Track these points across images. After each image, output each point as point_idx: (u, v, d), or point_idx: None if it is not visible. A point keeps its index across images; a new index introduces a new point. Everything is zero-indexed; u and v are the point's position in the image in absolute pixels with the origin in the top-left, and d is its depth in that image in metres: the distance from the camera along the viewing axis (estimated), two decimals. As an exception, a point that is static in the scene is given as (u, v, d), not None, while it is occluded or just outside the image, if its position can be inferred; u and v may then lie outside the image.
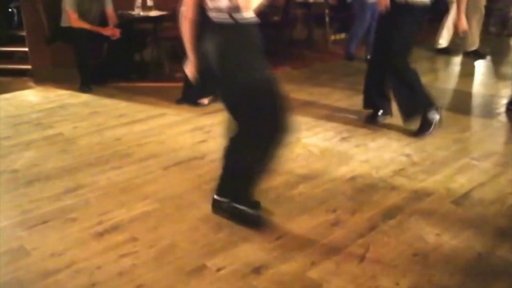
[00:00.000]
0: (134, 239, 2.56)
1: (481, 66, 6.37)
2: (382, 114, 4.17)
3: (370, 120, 4.20)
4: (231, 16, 2.29)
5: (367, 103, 4.22)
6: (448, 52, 6.77)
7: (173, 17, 6.04)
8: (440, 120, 3.90)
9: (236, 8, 2.27)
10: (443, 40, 6.73)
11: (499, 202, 2.92)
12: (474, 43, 6.56)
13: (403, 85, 3.90)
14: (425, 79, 5.49)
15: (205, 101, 4.68)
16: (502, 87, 5.23)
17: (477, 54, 6.55)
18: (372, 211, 2.82)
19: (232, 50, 2.35)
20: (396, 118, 4.33)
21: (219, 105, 4.68)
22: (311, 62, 6.56)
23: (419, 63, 6.44)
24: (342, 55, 6.72)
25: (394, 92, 4.01)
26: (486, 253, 2.44)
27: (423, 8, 3.75)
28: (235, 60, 2.37)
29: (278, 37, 6.69)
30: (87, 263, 2.37)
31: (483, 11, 6.48)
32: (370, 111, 4.23)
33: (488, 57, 6.59)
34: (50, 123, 4.34)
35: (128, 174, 3.31)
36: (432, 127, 3.87)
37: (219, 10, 2.31)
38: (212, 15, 2.35)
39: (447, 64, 6.63)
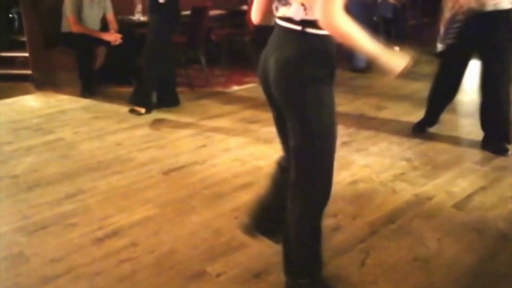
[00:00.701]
0: (134, 244, 2.55)
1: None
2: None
3: (419, 128, 4.06)
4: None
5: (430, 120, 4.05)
6: None
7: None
8: None
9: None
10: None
11: (500, 206, 2.91)
12: None
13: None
14: (424, 84, 5.49)
15: (142, 110, 4.64)
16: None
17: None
18: (373, 216, 2.81)
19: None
20: (398, 122, 4.34)
21: (219, 110, 4.71)
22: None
23: (419, 67, 6.45)
24: (343, 59, 6.72)
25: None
26: (487, 258, 2.43)
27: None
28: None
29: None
30: (87, 268, 2.36)
31: None
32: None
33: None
34: (50, 128, 4.34)
35: (128, 179, 3.31)
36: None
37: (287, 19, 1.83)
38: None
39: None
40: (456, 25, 3.52)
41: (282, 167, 2.19)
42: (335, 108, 1.88)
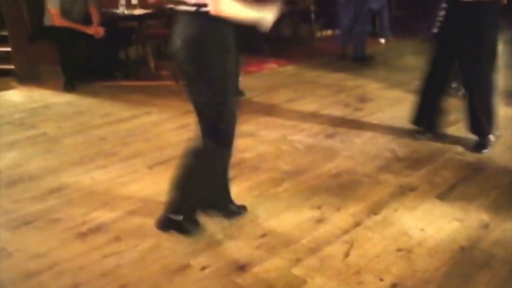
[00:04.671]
0: (118, 239, 2.54)
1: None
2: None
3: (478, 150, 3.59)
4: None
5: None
6: None
7: (157, 15, 6.03)
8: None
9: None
10: None
11: (482, 196, 2.94)
12: None
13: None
14: (409, 76, 5.53)
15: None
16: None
17: None
18: (357, 207, 2.82)
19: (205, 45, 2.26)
20: (382, 113, 4.36)
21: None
22: (297, 59, 6.55)
23: (405, 59, 6.49)
24: (328, 51, 6.73)
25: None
26: (469, 247, 2.46)
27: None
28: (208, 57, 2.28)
29: (263, 34, 6.68)
30: (70, 263, 2.35)
31: None
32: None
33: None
34: (33, 123, 4.30)
35: (112, 174, 3.29)
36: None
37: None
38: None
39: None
40: (441, 13, 3.48)
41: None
42: (233, 71, 2.38)
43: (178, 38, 2.27)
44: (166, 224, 2.56)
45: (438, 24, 3.51)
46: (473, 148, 3.56)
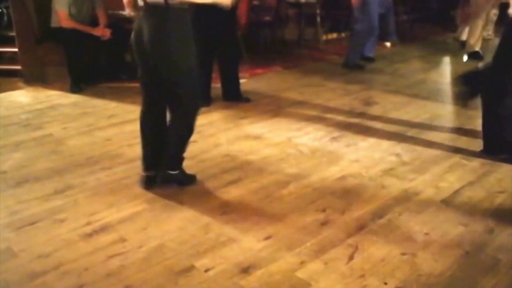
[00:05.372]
0: (122, 240, 2.55)
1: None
2: None
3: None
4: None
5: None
6: (478, 57, 6.39)
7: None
8: None
9: None
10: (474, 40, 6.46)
11: (488, 201, 2.93)
12: (475, 45, 6.49)
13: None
14: (412, 79, 5.53)
15: None
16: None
17: (476, 56, 6.48)
18: (361, 211, 2.82)
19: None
20: (388, 117, 4.35)
21: (209, 107, 4.70)
22: (302, 62, 6.56)
23: (409, 63, 6.48)
24: (334, 54, 6.73)
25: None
26: (474, 252, 2.45)
27: None
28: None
29: (269, 37, 6.70)
30: (75, 264, 2.36)
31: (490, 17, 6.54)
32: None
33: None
34: (39, 123, 4.32)
35: (117, 175, 3.30)
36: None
37: None
38: None
39: (439, 63, 6.65)
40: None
41: (149, 121, 3.14)
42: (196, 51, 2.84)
43: (146, 28, 2.74)
44: (167, 180, 3.06)
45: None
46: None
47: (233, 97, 4.83)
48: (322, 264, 2.34)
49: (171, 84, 2.88)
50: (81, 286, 2.21)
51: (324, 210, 2.83)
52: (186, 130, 3.04)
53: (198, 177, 3.22)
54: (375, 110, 4.58)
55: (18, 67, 5.60)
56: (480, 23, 6.26)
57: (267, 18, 6.74)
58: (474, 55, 6.38)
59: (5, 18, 6.00)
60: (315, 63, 6.55)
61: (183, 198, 2.98)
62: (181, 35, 2.76)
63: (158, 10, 2.70)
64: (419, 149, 3.66)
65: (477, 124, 3.86)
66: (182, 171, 3.13)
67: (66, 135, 4.03)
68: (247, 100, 4.82)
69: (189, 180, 3.16)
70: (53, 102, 4.91)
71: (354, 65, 6.09)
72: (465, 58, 6.41)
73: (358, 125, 4.19)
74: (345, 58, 6.19)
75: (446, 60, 6.74)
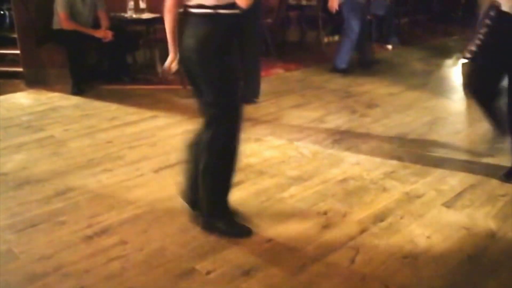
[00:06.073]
0: (123, 242, 2.55)
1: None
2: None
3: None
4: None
5: None
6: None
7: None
8: None
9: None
10: None
11: (490, 204, 2.92)
12: None
13: None
14: (415, 81, 5.52)
15: None
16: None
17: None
18: (363, 214, 2.82)
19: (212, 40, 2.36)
20: (389, 119, 4.35)
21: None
22: (304, 64, 6.56)
23: (410, 65, 6.48)
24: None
25: None
26: (476, 255, 2.44)
27: None
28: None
29: (271, 39, 6.70)
30: (75, 266, 2.35)
31: None
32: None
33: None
34: (41, 125, 4.32)
35: (119, 177, 3.30)
36: None
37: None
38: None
39: (440, 66, 6.64)
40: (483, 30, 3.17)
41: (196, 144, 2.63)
42: (238, 70, 2.47)
43: (192, 39, 2.33)
44: (209, 228, 2.60)
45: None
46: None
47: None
48: (323, 267, 2.34)
49: (206, 102, 2.44)
50: (82, 289, 2.21)
51: (325, 213, 2.82)
52: (218, 165, 2.50)
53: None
54: (376, 113, 4.58)
55: (20, 69, 5.60)
56: None
57: (269, 20, 6.74)
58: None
59: (7, 20, 6.02)
60: (317, 65, 6.54)
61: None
62: (218, 45, 2.34)
63: (204, 19, 2.32)
64: (420, 152, 3.65)
65: (478, 127, 3.87)
66: (227, 220, 2.61)
67: (68, 137, 4.03)
68: (253, 101, 4.80)
69: (237, 232, 2.59)
70: (55, 104, 4.91)
71: (341, 69, 6.03)
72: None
73: (359, 127, 4.19)
74: (333, 62, 6.13)
75: (448, 63, 6.73)
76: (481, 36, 3.18)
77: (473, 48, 3.26)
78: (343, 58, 6.00)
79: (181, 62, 2.48)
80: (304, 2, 7.45)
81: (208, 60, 2.34)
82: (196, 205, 2.65)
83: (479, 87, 3.35)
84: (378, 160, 3.53)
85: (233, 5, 2.26)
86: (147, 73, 6.03)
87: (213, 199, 2.57)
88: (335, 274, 2.29)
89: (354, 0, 5.86)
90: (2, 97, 5.14)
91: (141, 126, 4.27)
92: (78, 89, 5.21)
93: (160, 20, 6.15)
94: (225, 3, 2.26)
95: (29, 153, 3.71)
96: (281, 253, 2.45)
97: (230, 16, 2.31)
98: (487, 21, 3.11)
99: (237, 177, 3.22)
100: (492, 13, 3.07)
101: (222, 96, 2.42)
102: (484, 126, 4.13)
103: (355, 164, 3.48)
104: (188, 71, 2.45)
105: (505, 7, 2.97)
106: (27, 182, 3.23)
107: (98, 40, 5.30)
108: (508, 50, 3.04)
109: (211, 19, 2.30)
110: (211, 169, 2.49)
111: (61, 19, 5.12)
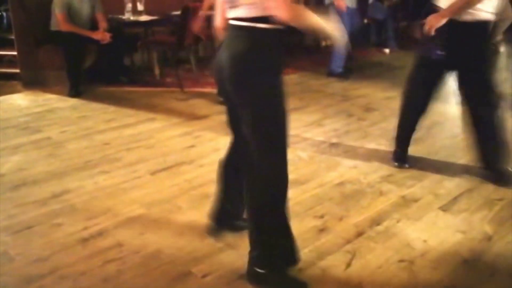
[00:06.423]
0: (119, 245, 2.54)
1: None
2: None
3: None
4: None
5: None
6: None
7: (163, 22, 6.06)
8: None
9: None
10: None
11: (486, 208, 2.93)
12: None
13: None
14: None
15: None
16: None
17: None
18: (360, 217, 2.82)
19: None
20: (386, 123, 4.35)
21: (208, 110, 4.70)
22: (302, 68, 6.56)
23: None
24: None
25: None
26: (472, 259, 2.44)
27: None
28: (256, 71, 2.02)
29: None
30: (71, 269, 2.35)
31: None
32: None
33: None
34: (38, 127, 4.31)
35: (115, 179, 3.29)
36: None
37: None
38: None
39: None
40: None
41: (226, 165, 2.46)
42: (285, 95, 2.09)
43: (226, 56, 2.04)
44: (256, 280, 2.23)
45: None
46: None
47: None
48: (319, 271, 2.33)
49: (248, 134, 2.11)
50: (78, 291, 2.21)
51: (322, 217, 2.82)
52: (263, 208, 2.18)
53: (198, 181, 3.22)
54: (373, 116, 4.58)
55: (17, 70, 5.61)
56: None
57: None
58: None
59: (5, 21, 6.02)
60: (315, 68, 6.55)
61: (181, 203, 2.97)
62: (267, 67, 2.01)
63: (241, 33, 2.01)
64: (417, 155, 3.65)
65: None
66: (277, 272, 2.23)
67: (65, 139, 4.02)
68: None
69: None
70: (52, 106, 4.91)
71: (338, 73, 6.04)
72: None
73: (356, 131, 4.19)
74: (329, 67, 6.13)
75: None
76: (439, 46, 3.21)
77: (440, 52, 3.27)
78: (338, 62, 6.01)
79: (215, 70, 2.15)
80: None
81: (241, 81, 2.02)
82: (223, 223, 2.55)
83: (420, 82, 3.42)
84: (375, 163, 3.54)
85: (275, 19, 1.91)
86: (145, 75, 6.03)
87: (260, 243, 2.22)
88: (332, 278, 2.29)
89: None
90: (0, 98, 5.14)
91: (138, 128, 4.27)
92: (76, 91, 5.21)
93: (158, 22, 6.21)
94: (266, 15, 1.91)
95: (26, 155, 3.71)
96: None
97: (271, 31, 1.96)
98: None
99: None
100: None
101: (262, 138, 2.09)
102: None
103: (352, 167, 3.48)
104: (220, 80, 2.12)
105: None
106: (24, 183, 3.23)
107: (96, 42, 5.30)
108: (452, 50, 3.11)
109: (248, 34, 1.98)
110: (256, 211, 2.21)
111: (59, 20, 5.12)
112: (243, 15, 1.98)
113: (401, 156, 3.53)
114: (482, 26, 3.06)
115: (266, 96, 2.03)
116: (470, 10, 2.97)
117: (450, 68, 3.22)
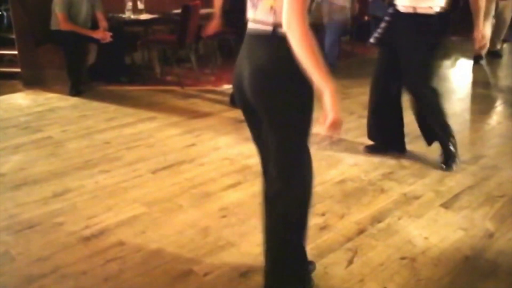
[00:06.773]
0: (121, 244, 2.54)
1: (476, 70, 6.41)
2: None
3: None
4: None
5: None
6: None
7: (163, 21, 6.05)
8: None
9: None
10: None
11: (488, 205, 2.92)
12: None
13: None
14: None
15: None
16: (495, 90, 5.25)
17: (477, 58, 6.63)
18: (361, 215, 2.81)
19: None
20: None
21: (209, 109, 4.70)
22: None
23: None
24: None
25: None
26: (473, 256, 2.44)
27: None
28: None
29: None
30: (73, 268, 2.35)
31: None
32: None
33: (484, 61, 6.64)
34: (38, 126, 4.31)
35: (116, 178, 3.29)
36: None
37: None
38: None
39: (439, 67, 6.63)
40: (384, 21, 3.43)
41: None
42: (313, 106, 1.92)
43: (247, 65, 1.86)
44: None
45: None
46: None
47: None
48: (321, 268, 2.33)
49: (271, 151, 1.94)
50: (79, 290, 2.21)
51: (323, 214, 2.82)
52: (284, 230, 2.03)
53: (199, 180, 3.22)
54: (374, 114, 4.56)
55: (18, 70, 5.61)
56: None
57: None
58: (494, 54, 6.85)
59: (5, 20, 6.02)
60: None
61: (182, 202, 2.97)
62: (291, 77, 1.78)
63: (260, 41, 1.82)
64: (418, 153, 3.65)
65: (476, 128, 3.87)
66: None
67: (65, 138, 4.03)
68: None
69: None
70: (53, 105, 4.91)
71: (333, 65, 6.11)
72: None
73: (357, 128, 4.18)
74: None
75: (446, 64, 6.73)
76: (380, 30, 3.44)
77: (377, 35, 3.47)
78: (333, 54, 6.20)
79: (234, 78, 1.99)
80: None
81: (266, 95, 1.83)
82: None
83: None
84: (376, 161, 3.53)
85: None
86: (145, 74, 6.03)
87: (279, 264, 2.10)
88: (333, 275, 2.29)
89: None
90: (0, 97, 5.14)
91: (139, 127, 4.27)
92: (76, 90, 5.21)
93: (158, 21, 6.20)
94: None
95: (26, 154, 3.71)
96: (279, 255, 2.44)
97: None
98: (387, 18, 3.40)
99: (235, 178, 3.26)
100: (390, 10, 3.35)
101: (284, 154, 1.92)
102: (483, 127, 4.15)
103: (353, 165, 3.48)
104: (240, 90, 1.95)
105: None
106: (25, 183, 3.23)
107: (97, 41, 5.30)
108: (399, 44, 3.31)
109: (268, 43, 1.78)
110: (277, 232, 2.06)
111: (59, 20, 5.12)
112: (264, 18, 1.78)
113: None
114: (425, 19, 3.21)
115: (292, 108, 1.85)
116: (421, 4, 3.16)
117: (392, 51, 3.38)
